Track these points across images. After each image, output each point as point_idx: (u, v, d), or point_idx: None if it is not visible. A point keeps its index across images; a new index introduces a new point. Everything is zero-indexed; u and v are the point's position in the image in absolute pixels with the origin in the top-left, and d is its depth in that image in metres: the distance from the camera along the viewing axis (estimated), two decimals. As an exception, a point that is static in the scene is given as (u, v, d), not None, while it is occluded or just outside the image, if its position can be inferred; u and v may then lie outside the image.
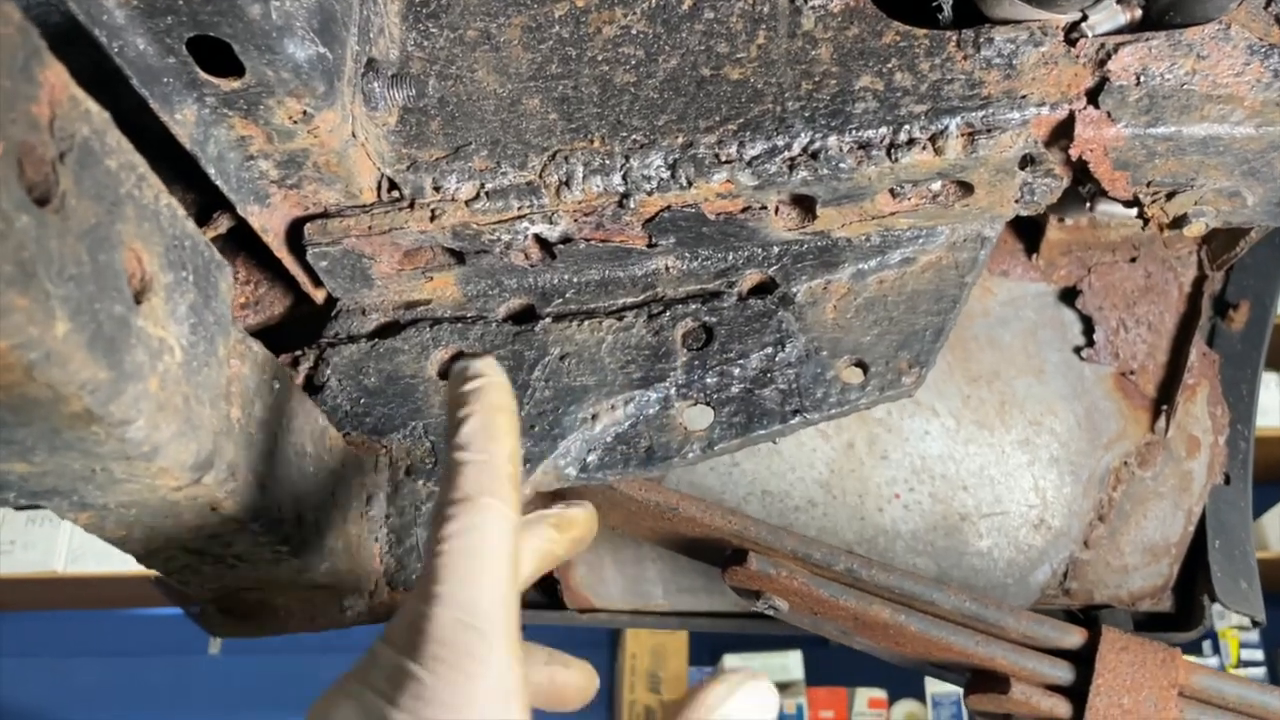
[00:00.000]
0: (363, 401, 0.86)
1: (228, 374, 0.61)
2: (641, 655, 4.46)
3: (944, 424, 1.32)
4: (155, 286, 0.53)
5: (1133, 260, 1.29)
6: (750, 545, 0.90)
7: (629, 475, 0.84)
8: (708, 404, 0.85)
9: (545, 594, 1.37)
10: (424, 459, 0.84)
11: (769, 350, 0.86)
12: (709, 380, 0.85)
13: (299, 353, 0.90)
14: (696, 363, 0.86)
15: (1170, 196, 0.82)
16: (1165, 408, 1.28)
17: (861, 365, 0.85)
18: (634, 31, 0.86)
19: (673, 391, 0.85)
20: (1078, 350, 1.31)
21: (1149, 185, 0.81)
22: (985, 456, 1.31)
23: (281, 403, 0.69)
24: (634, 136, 0.82)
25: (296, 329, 0.99)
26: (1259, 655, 4.29)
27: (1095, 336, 1.30)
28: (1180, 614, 1.29)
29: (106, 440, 0.51)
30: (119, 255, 0.50)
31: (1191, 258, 1.30)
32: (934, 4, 0.85)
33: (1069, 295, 1.31)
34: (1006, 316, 1.33)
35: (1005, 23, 0.81)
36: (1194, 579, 1.28)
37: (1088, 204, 0.89)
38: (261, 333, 0.97)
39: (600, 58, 0.86)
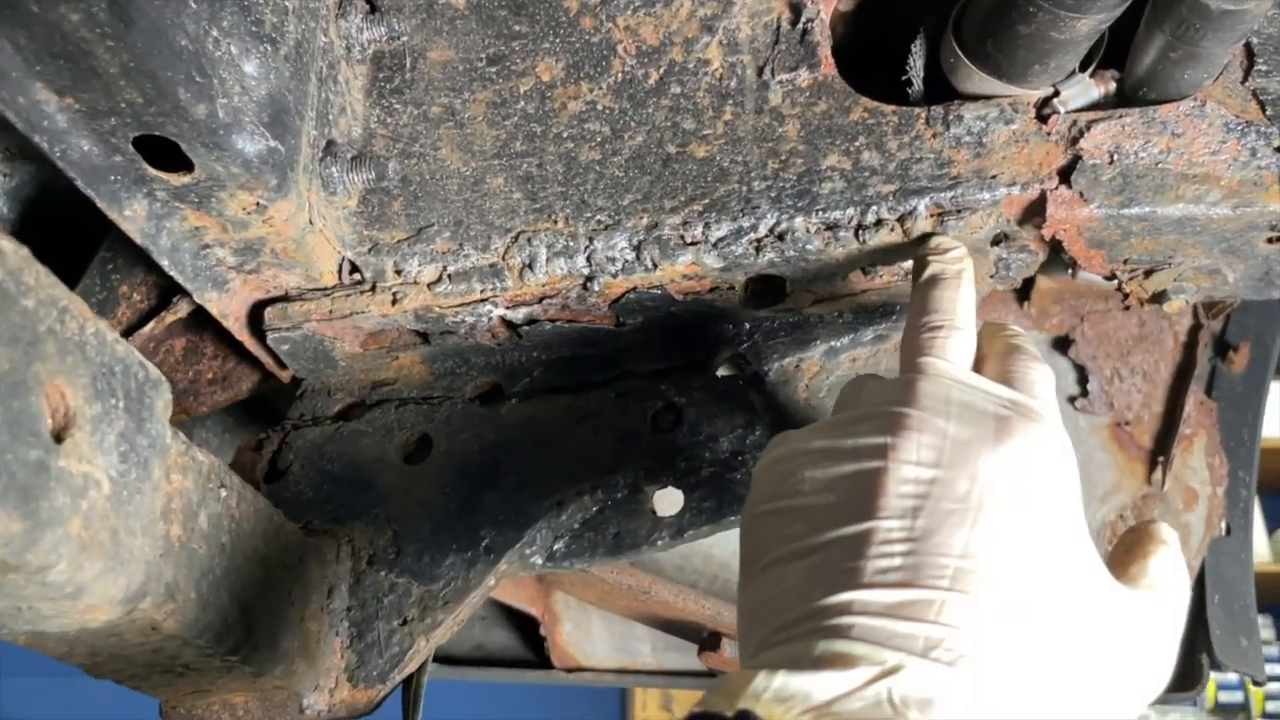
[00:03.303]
0: (325, 488, 0.85)
1: (166, 492, 0.60)
2: (654, 674, 4.42)
3: (936, 476, 1.30)
4: (80, 421, 0.52)
5: (1126, 308, 1.27)
6: (724, 630, 0.88)
7: (597, 564, 0.82)
8: (678, 487, 0.83)
9: (533, 652, 1.36)
10: (386, 548, 0.82)
11: (740, 432, 0.84)
12: (679, 463, 0.83)
13: (263, 435, 0.88)
14: (666, 445, 0.84)
15: (1148, 274, 0.80)
16: (1161, 459, 1.26)
17: (834, 447, 0.83)
18: (599, 107, 0.84)
19: (641, 475, 0.83)
20: (1072, 400, 1.28)
21: (1126, 263, 0.79)
22: (978, 509, 1.29)
23: (229, 509, 0.68)
24: (598, 217, 0.81)
25: (268, 401, 0.98)
26: None
27: (1089, 386, 1.27)
28: (1180, 671, 1.26)
29: (27, 585, 0.50)
30: (36, 398, 0.49)
31: (1186, 306, 1.28)
32: (904, 78, 0.83)
33: (1062, 344, 1.29)
34: (999, 365, 1.31)
35: (976, 98, 0.80)
36: (1193, 636, 1.26)
37: (1069, 271, 0.87)
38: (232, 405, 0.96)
39: (565, 134, 0.84)
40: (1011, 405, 0.62)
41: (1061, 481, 0.61)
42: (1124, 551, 0.67)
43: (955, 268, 0.72)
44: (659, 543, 0.82)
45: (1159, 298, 0.81)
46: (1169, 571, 0.65)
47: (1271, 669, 4.21)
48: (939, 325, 0.67)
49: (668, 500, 0.83)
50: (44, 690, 4.29)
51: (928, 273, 0.72)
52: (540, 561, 0.83)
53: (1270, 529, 4.16)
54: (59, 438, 0.50)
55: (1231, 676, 4.13)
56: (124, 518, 0.55)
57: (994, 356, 0.68)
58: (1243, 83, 0.76)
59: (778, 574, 0.59)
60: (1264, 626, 4.18)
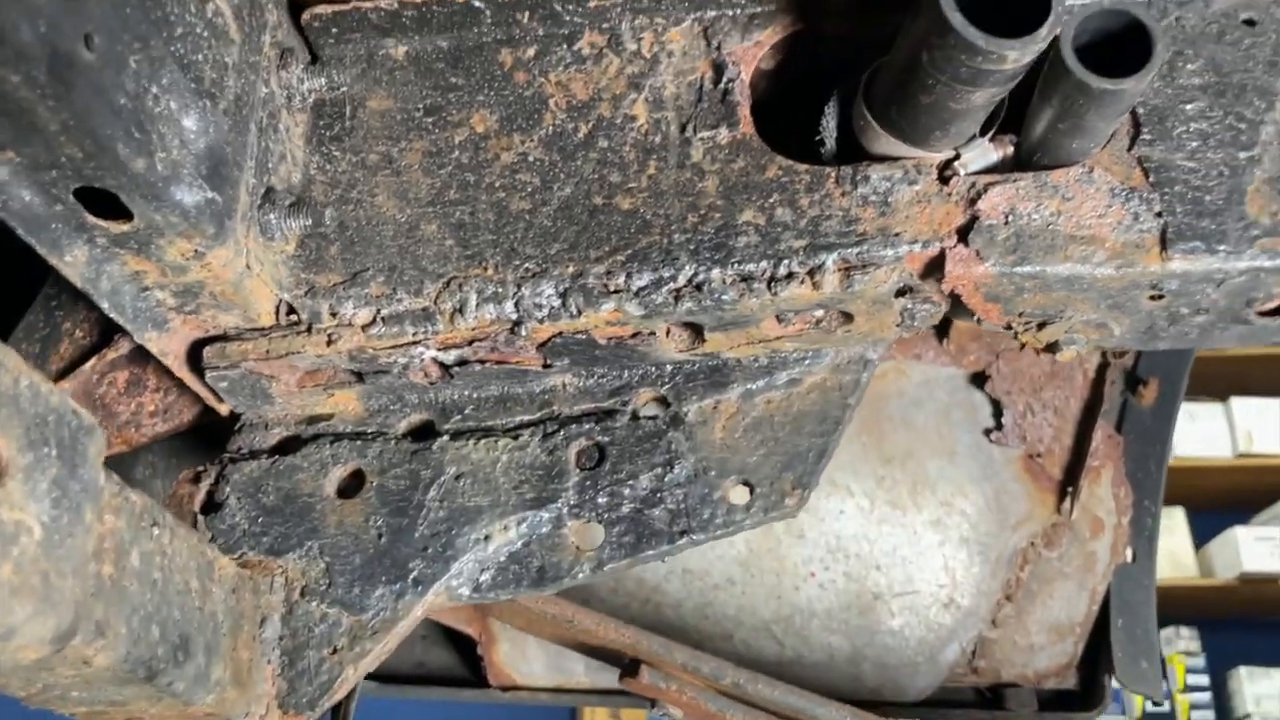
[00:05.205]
0: (261, 520, 0.88)
1: (99, 533, 0.63)
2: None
3: (859, 504, 1.35)
4: (12, 470, 0.55)
5: (1040, 346, 1.32)
6: (643, 658, 0.92)
7: (521, 595, 0.86)
8: (599, 522, 0.87)
9: (472, 671, 1.39)
10: (318, 580, 0.86)
11: (659, 470, 0.88)
12: (600, 500, 0.87)
13: (201, 468, 0.91)
14: (589, 482, 0.88)
15: (1041, 326, 0.85)
16: (1070, 490, 1.32)
17: (748, 485, 0.88)
18: (531, 159, 0.88)
19: (565, 511, 0.87)
20: (987, 433, 1.34)
21: (1020, 315, 0.84)
22: (898, 536, 1.34)
23: (161, 546, 0.70)
24: (527, 264, 0.85)
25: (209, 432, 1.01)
26: (1204, 680, 4.34)
27: (1004, 419, 1.33)
28: (1084, 692, 1.32)
29: (-38, 628, 0.53)
30: (-28, 451, 0.52)
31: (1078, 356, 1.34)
32: (817, 138, 0.88)
33: (979, 379, 1.34)
34: (920, 398, 1.36)
35: (884, 158, 0.84)
36: (1098, 657, 1.31)
37: (976, 318, 0.92)
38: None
39: (498, 184, 0.88)
40: None
41: None
42: None
43: None
44: (580, 575, 0.86)
45: (1052, 348, 0.86)
46: None
47: (1196, 679, 4.34)
48: None
49: (589, 535, 0.87)
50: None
51: None
52: (467, 593, 0.86)
53: (1197, 545, 4.27)
54: (-6, 487, 0.53)
55: (1199, 661, 4.27)
56: (55, 561, 0.58)
57: None
58: (1129, 150, 0.82)
59: None
60: (1189, 638, 4.32)
